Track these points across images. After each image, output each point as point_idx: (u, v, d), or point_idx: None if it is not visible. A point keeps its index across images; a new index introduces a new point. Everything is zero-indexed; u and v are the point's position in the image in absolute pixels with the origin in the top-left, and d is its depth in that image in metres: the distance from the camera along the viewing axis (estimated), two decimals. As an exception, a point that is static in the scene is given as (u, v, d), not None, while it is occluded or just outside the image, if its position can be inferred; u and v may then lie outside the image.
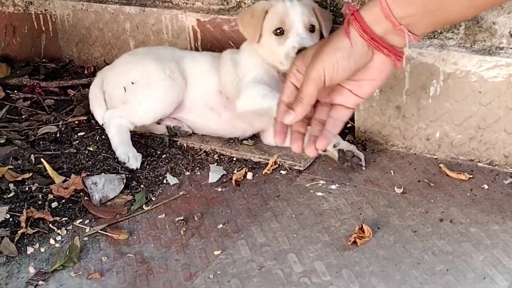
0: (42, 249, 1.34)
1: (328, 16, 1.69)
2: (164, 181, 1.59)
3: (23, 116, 1.99)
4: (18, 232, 1.37)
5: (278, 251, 1.28)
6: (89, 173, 1.60)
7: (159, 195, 1.53)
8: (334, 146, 1.58)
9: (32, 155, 1.71)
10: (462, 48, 1.55)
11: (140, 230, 1.40)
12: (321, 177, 1.55)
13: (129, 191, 1.55)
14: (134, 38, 2.15)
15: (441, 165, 1.57)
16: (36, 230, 1.39)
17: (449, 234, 1.30)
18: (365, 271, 1.20)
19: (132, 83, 1.75)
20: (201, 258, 1.28)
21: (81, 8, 2.24)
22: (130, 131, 1.73)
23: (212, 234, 1.36)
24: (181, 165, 1.66)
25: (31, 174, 1.60)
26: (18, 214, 1.43)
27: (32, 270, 1.27)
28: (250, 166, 1.64)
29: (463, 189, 1.47)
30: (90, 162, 1.68)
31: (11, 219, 1.43)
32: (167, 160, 1.68)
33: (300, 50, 1.53)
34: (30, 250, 1.34)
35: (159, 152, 1.72)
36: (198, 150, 1.73)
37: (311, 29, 1.61)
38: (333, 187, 1.51)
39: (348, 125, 1.74)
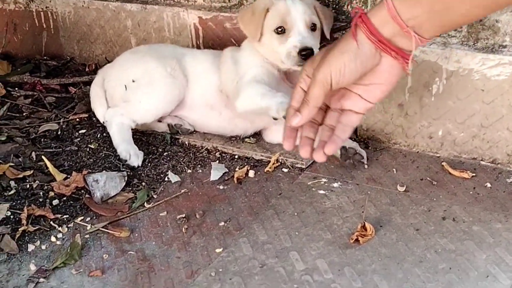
0: (43, 247, 1.34)
1: (329, 13, 1.68)
2: (166, 179, 1.58)
3: (24, 114, 1.98)
4: (19, 229, 1.37)
5: (280, 249, 1.28)
6: (90, 170, 1.60)
7: (160, 193, 1.53)
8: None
9: (33, 153, 1.71)
10: (465, 46, 1.54)
11: (142, 227, 1.39)
12: (323, 175, 1.55)
13: (130, 188, 1.54)
14: (135, 35, 2.15)
15: (443, 163, 1.56)
16: (37, 227, 1.39)
17: (451, 232, 1.29)
18: (367, 269, 1.20)
19: (133, 81, 1.74)
20: (202, 256, 1.27)
21: (83, 6, 2.23)
22: (132, 129, 1.73)
23: (214, 232, 1.35)
24: (182, 163, 1.65)
25: (32, 171, 1.60)
26: (19, 212, 1.43)
27: (33, 268, 1.26)
28: (252, 164, 1.63)
29: (466, 187, 1.46)
30: (91, 160, 1.67)
31: (12, 217, 1.42)
32: (168, 158, 1.68)
33: (302, 50, 1.52)
34: (31, 247, 1.33)
35: (160, 150, 1.72)
36: (200, 148, 1.73)
37: (313, 27, 1.60)
38: (335, 185, 1.51)
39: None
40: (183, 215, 1.41)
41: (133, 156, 1.64)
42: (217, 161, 1.65)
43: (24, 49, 2.45)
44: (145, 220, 1.42)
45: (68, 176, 1.56)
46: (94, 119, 1.87)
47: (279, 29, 1.59)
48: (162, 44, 2.01)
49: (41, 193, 1.52)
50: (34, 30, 2.41)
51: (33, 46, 2.43)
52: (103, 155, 1.69)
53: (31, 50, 2.44)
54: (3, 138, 1.79)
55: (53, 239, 1.36)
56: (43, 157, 1.64)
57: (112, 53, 2.21)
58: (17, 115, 1.98)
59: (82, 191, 1.52)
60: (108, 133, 1.73)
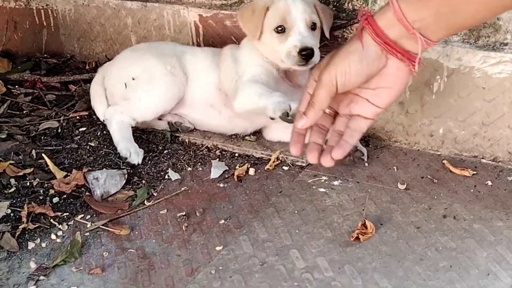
0: (43, 244, 1.33)
1: (329, 12, 1.67)
2: (166, 177, 1.58)
3: (24, 111, 1.98)
4: (19, 227, 1.37)
5: (280, 247, 1.27)
6: (90, 168, 1.59)
7: (160, 191, 1.52)
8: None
9: (33, 150, 1.71)
10: (466, 43, 1.54)
11: (142, 225, 1.39)
12: (324, 173, 1.55)
13: (130, 186, 1.54)
14: (135, 33, 2.14)
15: (444, 161, 1.56)
16: (37, 225, 1.39)
17: (452, 230, 1.29)
18: (367, 267, 1.20)
19: (133, 79, 1.74)
20: (203, 254, 1.27)
21: (83, 3, 2.23)
22: (132, 127, 1.72)
23: (214, 229, 1.35)
24: (182, 161, 1.65)
25: (32, 169, 1.60)
26: (19, 209, 1.43)
27: (33, 265, 1.26)
28: (252, 162, 1.63)
29: (467, 185, 1.46)
30: (92, 158, 1.67)
31: (12, 214, 1.42)
32: (168, 156, 1.68)
33: (302, 49, 1.52)
34: (31, 245, 1.33)
35: (160, 148, 1.71)
36: (200, 145, 1.73)
37: (313, 27, 1.59)
38: (335, 183, 1.50)
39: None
40: (183, 213, 1.41)
41: (133, 154, 1.63)
42: (217, 159, 1.65)
43: (25, 47, 2.45)
44: (145, 218, 1.42)
45: (68, 174, 1.56)
46: (94, 117, 1.87)
47: (279, 28, 1.58)
48: (162, 42, 2.01)
49: (41, 191, 1.52)
50: (35, 28, 2.41)
51: (34, 44, 2.43)
52: (103, 153, 1.69)
53: (31, 48, 2.44)
54: (3, 136, 1.79)
55: (53, 237, 1.36)
56: (43, 155, 1.63)
57: (112, 51, 2.20)
58: (17, 113, 1.98)
59: (82, 189, 1.52)
60: (108, 131, 1.73)
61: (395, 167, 1.56)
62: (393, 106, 1.63)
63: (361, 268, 1.19)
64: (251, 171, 1.58)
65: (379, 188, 1.47)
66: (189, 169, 1.62)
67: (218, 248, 1.28)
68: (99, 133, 1.79)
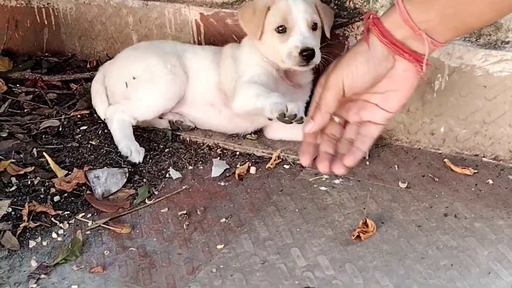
0: (44, 243, 1.34)
1: (330, 11, 1.67)
2: (167, 175, 1.58)
3: (25, 110, 1.98)
4: (20, 225, 1.37)
5: (281, 245, 1.27)
6: (91, 167, 1.59)
7: (161, 189, 1.52)
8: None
9: (34, 149, 1.71)
10: (468, 42, 1.53)
11: (143, 224, 1.39)
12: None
13: (131, 185, 1.54)
14: (137, 32, 2.14)
15: (445, 160, 1.56)
16: (38, 223, 1.39)
17: (453, 229, 1.29)
18: (368, 265, 1.20)
19: (134, 78, 1.74)
20: (204, 252, 1.27)
21: (84, 2, 2.23)
22: (133, 126, 1.72)
23: (215, 228, 1.35)
24: (184, 159, 1.65)
25: (33, 168, 1.60)
26: (20, 208, 1.43)
27: (34, 264, 1.26)
28: (253, 160, 1.63)
29: (468, 184, 1.46)
30: (93, 156, 1.67)
31: (13, 213, 1.42)
32: (169, 154, 1.68)
33: (303, 50, 1.52)
34: (32, 243, 1.33)
35: (161, 146, 1.71)
36: (201, 144, 1.73)
37: (314, 27, 1.58)
38: (336, 181, 1.50)
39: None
40: (184, 212, 1.41)
41: (134, 152, 1.63)
42: (218, 158, 1.65)
43: (26, 46, 2.45)
44: (146, 217, 1.42)
45: (69, 172, 1.56)
46: (95, 115, 1.87)
47: (280, 28, 1.57)
48: (163, 40, 2.01)
49: (42, 189, 1.52)
50: (36, 26, 2.41)
51: (35, 43, 2.43)
52: (104, 151, 1.69)
53: (32, 47, 2.44)
54: (5, 135, 1.79)
55: (54, 235, 1.36)
56: (44, 153, 1.63)
57: (114, 50, 2.20)
58: (19, 111, 1.98)
59: (83, 187, 1.52)
60: (109, 129, 1.73)
61: (396, 166, 1.56)
62: (394, 105, 1.63)
63: (362, 266, 1.19)
64: (252, 170, 1.58)
65: (380, 186, 1.47)
66: (190, 167, 1.62)
67: (219, 247, 1.28)
68: (100, 132, 1.79)
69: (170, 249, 1.29)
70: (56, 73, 2.24)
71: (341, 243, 1.27)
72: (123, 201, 1.48)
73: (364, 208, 1.37)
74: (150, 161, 1.64)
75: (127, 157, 1.63)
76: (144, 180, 1.56)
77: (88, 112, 1.91)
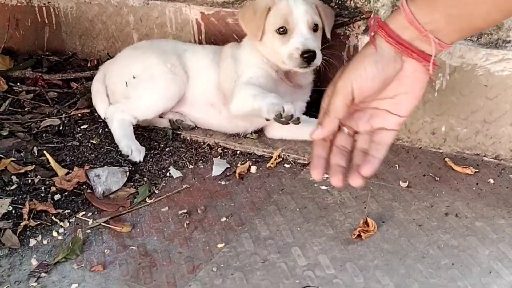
0: (45, 241, 1.34)
1: (330, 12, 1.66)
2: (168, 174, 1.58)
3: (26, 109, 1.98)
4: (21, 224, 1.37)
5: (282, 244, 1.27)
6: (92, 165, 1.59)
7: (162, 188, 1.52)
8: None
9: (35, 148, 1.71)
10: (469, 41, 1.53)
11: (143, 223, 1.39)
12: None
13: (132, 184, 1.54)
14: (137, 31, 2.14)
15: (446, 159, 1.55)
16: (38, 222, 1.39)
17: (454, 228, 1.29)
18: (369, 264, 1.19)
19: (134, 77, 1.74)
20: (204, 251, 1.27)
21: (85, 1, 2.23)
22: (133, 125, 1.72)
23: (216, 227, 1.35)
24: (184, 158, 1.65)
25: (34, 166, 1.60)
26: (20, 206, 1.43)
27: (34, 262, 1.26)
28: (253, 159, 1.63)
29: (469, 183, 1.46)
30: (93, 155, 1.67)
31: (13, 211, 1.42)
32: (170, 153, 1.68)
33: (304, 52, 1.51)
34: (32, 242, 1.33)
35: (162, 145, 1.71)
36: (202, 143, 1.73)
37: (315, 28, 1.58)
38: (337, 180, 1.50)
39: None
40: (185, 211, 1.41)
41: (135, 151, 1.63)
42: (219, 157, 1.65)
43: (26, 45, 2.45)
44: (146, 216, 1.42)
45: (70, 171, 1.56)
46: (96, 114, 1.86)
47: (281, 29, 1.57)
48: (163, 39, 2.00)
49: (42, 188, 1.52)
50: (36, 25, 2.41)
51: (35, 42, 2.43)
52: (105, 150, 1.69)
53: (33, 46, 2.44)
54: (5, 133, 1.79)
55: (54, 234, 1.36)
56: (45, 152, 1.63)
57: (114, 49, 2.20)
58: (19, 110, 1.98)
59: (84, 186, 1.52)
60: (110, 128, 1.73)
61: (397, 165, 1.56)
62: (395, 104, 1.63)
63: (362, 265, 1.19)
64: (253, 169, 1.58)
65: (381, 185, 1.47)
66: (191, 166, 1.62)
67: (219, 246, 1.28)
68: (100, 131, 1.78)
69: (170, 248, 1.29)
70: (57, 72, 2.24)
71: (342, 242, 1.27)
72: (124, 200, 1.48)
73: (365, 207, 1.36)
74: (151, 160, 1.64)
75: (127, 156, 1.63)
76: (145, 179, 1.56)
77: (88, 111, 1.91)
